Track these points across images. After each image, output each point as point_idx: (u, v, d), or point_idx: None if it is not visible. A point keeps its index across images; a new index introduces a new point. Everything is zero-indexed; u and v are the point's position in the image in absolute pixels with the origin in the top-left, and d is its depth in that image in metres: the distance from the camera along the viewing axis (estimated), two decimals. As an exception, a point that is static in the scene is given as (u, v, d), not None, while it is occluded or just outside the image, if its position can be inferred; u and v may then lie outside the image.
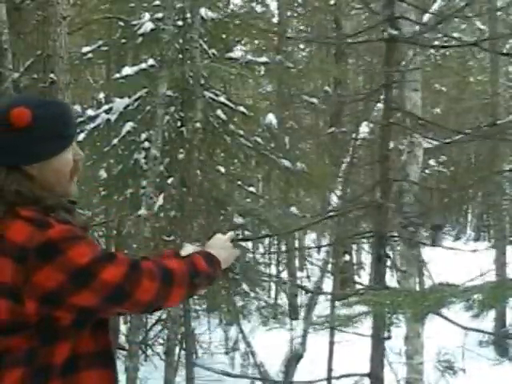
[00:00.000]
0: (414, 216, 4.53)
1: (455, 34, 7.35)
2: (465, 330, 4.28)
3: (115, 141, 8.13)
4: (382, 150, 4.46)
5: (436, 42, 7.31)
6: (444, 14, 4.79)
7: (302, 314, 7.92)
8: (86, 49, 9.07)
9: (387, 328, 4.59)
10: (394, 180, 4.57)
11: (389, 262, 4.54)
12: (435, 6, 6.55)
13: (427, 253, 6.30)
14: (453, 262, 10.60)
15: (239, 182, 8.84)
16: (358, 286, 7.81)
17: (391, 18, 4.38)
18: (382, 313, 3.25)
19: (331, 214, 5.69)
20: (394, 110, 4.49)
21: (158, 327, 9.13)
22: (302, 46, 16.19)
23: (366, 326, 3.75)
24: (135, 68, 8.25)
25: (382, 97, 5.07)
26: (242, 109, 8.41)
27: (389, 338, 4.79)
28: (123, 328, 9.31)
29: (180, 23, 8.10)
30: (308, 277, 13.06)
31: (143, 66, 8.22)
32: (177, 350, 7.66)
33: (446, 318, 3.67)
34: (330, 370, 7.04)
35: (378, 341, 4.49)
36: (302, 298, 11.28)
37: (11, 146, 1.62)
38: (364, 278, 13.57)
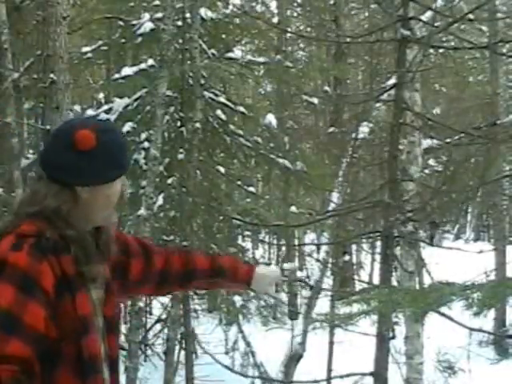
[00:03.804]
0: (412, 211, 4.52)
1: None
2: (469, 329, 4.28)
3: (115, 141, 8.12)
4: (392, 150, 4.46)
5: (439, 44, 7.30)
6: (457, 16, 4.79)
7: (302, 313, 7.91)
8: (85, 49, 9.08)
9: (392, 327, 4.59)
10: (402, 180, 4.57)
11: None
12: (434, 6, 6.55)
13: (430, 252, 6.31)
14: (452, 262, 10.58)
15: (239, 182, 8.84)
16: (363, 285, 7.81)
17: (404, 19, 4.38)
18: (386, 312, 3.24)
19: (334, 213, 5.69)
20: (405, 111, 4.49)
21: (158, 327, 9.13)
22: (301, 46, 16.17)
23: (368, 325, 3.75)
24: (135, 68, 8.25)
25: (383, 97, 5.08)
26: (241, 109, 8.41)
27: (393, 337, 4.79)
28: (123, 328, 9.30)
29: (180, 23, 8.10)
30: (308, 277, 13.04)
31: (143, 66, 8.23)
32: (177, 350, 7.66)
33: (448, 318, 3.66)
34: (329, 370, 7.04)
35: (383, 340, 4.49)
36: (301, 299, 11.27)
37: (72, 165, 1.64)
38: (364, 277, 13.55)
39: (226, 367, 6.58)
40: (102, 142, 1.66)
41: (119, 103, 8.15)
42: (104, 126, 1.72)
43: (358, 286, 9.93)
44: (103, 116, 8.08)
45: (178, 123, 8.22)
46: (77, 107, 8.56)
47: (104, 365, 1.71)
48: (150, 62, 8.14)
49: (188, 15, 7.95)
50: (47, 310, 1.56)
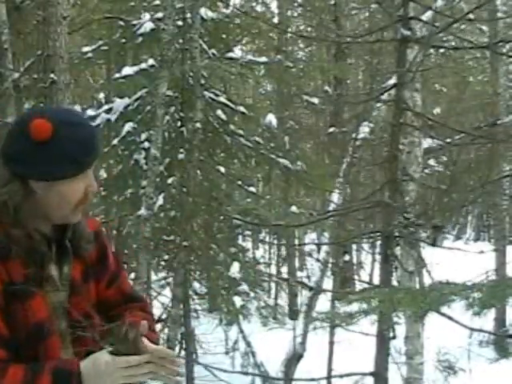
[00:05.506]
0: (415, 215, 4.53)
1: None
2: (469, 329, 4.28)
3: (115, 141, 8.13)
4: (392, 150, 4.47)
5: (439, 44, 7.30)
6: (458, 16, 4.79)
7: (303, 313, 7.92)
8: (86, 49, 9.07)
9: (392, 327, 4.59)
10: (402, 180, 4.58)
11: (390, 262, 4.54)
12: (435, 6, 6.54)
13: (430, 252, 6.31)
14: (453, 263, 10.59)
15: (239, 182, 8.84)
16: (363, 285, 7.82)
17: (404, 19, 4.39)
18: (386, 311, 3.25)
19: (334, 213, 5.70)
20: (405, 111, 4.49)
21: (158, 327, 9.13)
22: (301, 46, 16.18)
23: (368, 324, 3.75)
24: (135, 68, 8.25)
25: (383, 97, 5.08)
26: (242, 109, 8.41)
27: (394, 337, 4.79)
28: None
29: (180, 23, 8.09)
30: (308, 277, 13.05)
31: (143, 65, 8.23)
32: (177, 349, 7.66)
33: (448, 318, 3.67)
34: (330, 369, 7.05)
35: (383, 340, 4.50)
36: (302, 299, 11.28)
37: (24, 156, 1.51)
38: (364, 277, 13.56)
39: (222, 370, 6.58)
40: (59, 134, 1.50)
41: (119, 103, 8.15)
42: (66, 118, 1.55)
43: (359, 286, 9.94)
44: (103, 116, 8.08)
45: (179, 123, 8.22)
46: (77, 107, 8.55)
47: None
48: (151, 61, 8.14)
49: (188, 15, 7.94)
50: None
